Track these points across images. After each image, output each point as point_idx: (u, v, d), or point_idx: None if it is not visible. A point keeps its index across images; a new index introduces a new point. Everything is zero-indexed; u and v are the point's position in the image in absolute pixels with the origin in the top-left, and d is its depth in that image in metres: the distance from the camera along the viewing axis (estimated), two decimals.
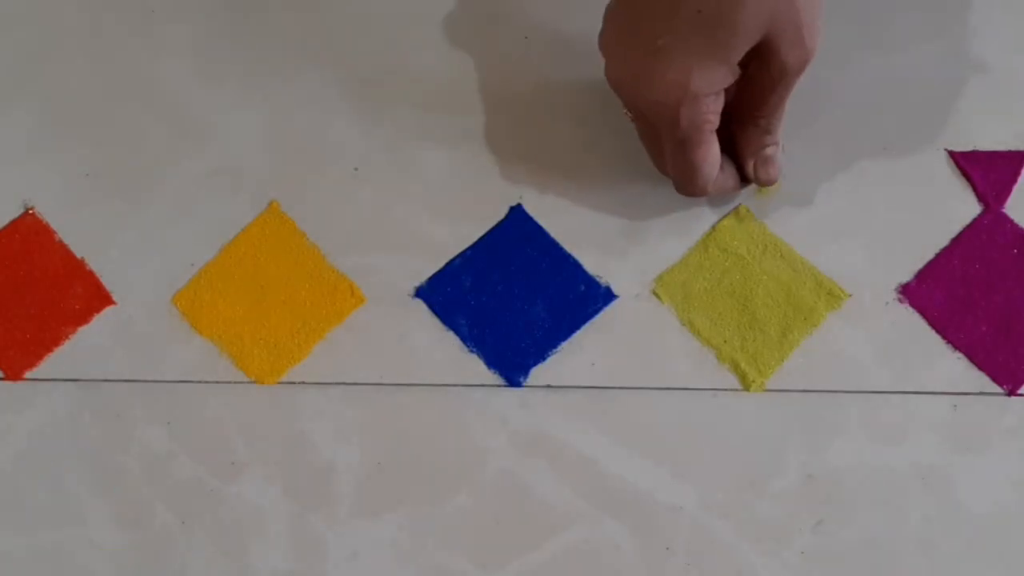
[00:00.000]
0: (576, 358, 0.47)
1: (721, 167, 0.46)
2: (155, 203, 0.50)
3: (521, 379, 0.47)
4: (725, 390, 0.47)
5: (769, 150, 0.46)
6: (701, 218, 0.49)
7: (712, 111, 0.43)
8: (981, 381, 0.46)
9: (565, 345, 0.48)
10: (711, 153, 0.45)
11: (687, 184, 0.46)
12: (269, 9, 0.53)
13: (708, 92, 0.43)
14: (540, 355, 0.47)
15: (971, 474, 0.45)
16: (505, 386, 0.47)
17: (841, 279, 0.48)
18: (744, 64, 0.42)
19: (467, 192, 0.50)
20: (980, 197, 0.48)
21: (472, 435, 0.47)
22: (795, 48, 0.41)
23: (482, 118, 0.51)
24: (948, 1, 0.51)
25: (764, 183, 0.47)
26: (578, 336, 0.48)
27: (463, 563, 0.45)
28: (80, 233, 0.50)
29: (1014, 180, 0.49)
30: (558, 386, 0.47)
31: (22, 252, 0.49)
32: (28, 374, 0.48)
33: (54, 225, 0.50)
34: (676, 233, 0.49)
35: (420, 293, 0.48)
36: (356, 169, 0.50)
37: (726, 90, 0.44)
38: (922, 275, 0.48)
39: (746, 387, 0.47)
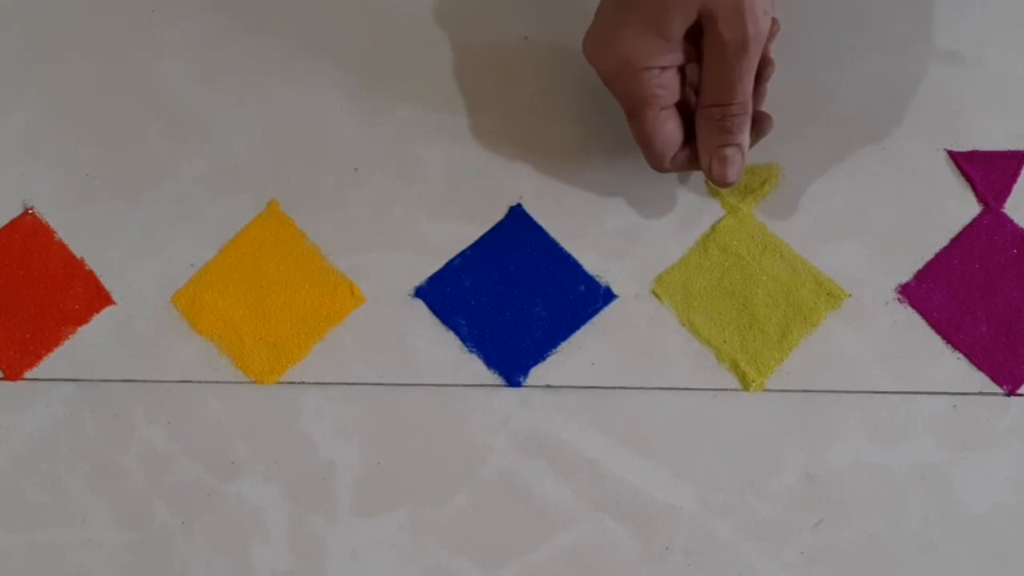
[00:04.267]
0: (576, 358, 0.47)
1: (685, 146, 0.46)
2: (155, 203, 0.50)
3: (521, 379, 0.47)
4: (725, 390, 0.47)
5: (728, 151, 0.45)
6: (701, 218, 0.49)
7: (659, 86, 0.44)
8: (981, 381, 0.46)
9: (565, 345, 0.48)
10: (662, 130, 0.45)
11: (645, 156, 0.46)
12: (269, 9, 0.53)
13: (646, 65, 0.43)
14: (540, 355, 0.47)
15: (971, 474, 0.45)
16: (505, 386, 0.47)
17: (841, 279, 0.48)
18: (698, 45, 0.43)
19: (467, 192, 0.50)
20: (980, 197, 0.48)
21: (472, 435, 0.47)
22: (731, 26, 0.41)
23: (482, 118, 0.51)
24: (948, 1, 0.51)
25: (714, 181, 0.45)
26: (578, 336, 0.48)
27: (463, 563, 0.45)
28: (80, 233, 0.50)
29: (1014, 180, 0.49)
30: (558, 386, 0.47)
31: (22, 252, 0.49)
32: (28, 374, 0.48)
33: (54, 225, 0.50)
34: (676, 233, 0.49)
35: (420, 293, 0.48)
36: (356, 169, 0.50)
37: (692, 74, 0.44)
38: (922, 275, 0.48)
39: (746, 387, 0.47)
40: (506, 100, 0.51)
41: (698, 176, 0.49)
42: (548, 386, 0.47)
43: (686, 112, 0.46)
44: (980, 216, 0.48)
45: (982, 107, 0.50)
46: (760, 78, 0.45)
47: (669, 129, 0.45)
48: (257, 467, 0.47)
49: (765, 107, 0.47)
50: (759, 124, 0.46)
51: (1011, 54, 0.50)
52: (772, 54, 0.45)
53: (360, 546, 0.46)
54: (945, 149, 0.49)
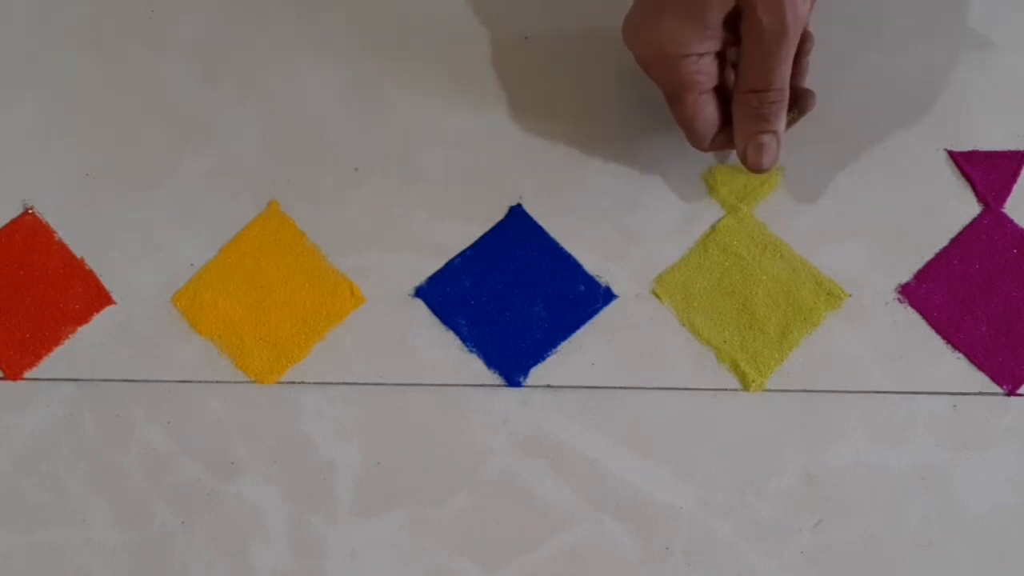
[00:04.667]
0: (576, 358, 0.47)
1: (724, 127, 0.46)
2: (155, 203, 0.50)
3: (521, 379, 0.47)
4: (725, 390, 0.47)
5: (764, 137, 0.45)
6: (701, 218, 0.49)
7: (698, 72, 0.44)
8: (981, 381, 0.46)
9: (565, 345, 0.48)
10: (701, 113, 0.45)
11: (686, 138, 0.47)
12: (269, 9, 0.53)
13: (683, 52, 0.43)
14: (540, 355, 0.47)
15: (971, 474, 0.45)
16: (505, 386, 0.47)
17: (841, 279, 0.48)
18: (736, 30, 0.43)
19: (467, 192, 0.50)
20: (980, 197, 0.48)
21: (472, 435, 0.47)
22: (770, 12, 0.41)
23: (482, 118, 0.51)
24: (948, 1, 0.51)
25: (749, 167, 0.46)
26: (578, 336, 0.48)
27: (463, 563, 0.45)
28: (80, 233, 0.50)
29: (1014, 180, 0.49)
30: (558, 386, 0.47)
31: (22, 252, 0.49)
32: (28, 374, 0.48)
33: (54, 225, 0.50)
34: (676, 233, 0.49)
35: (420, 293, 0.48)
36: (356, 169, 0.50)
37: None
38: (922, 275, 0.48)
39: (746, 387, 0.47)
40: (506, 100, 0.51)
41: (698, 176, 0.49)
42: (548, 386, 0.47)
43: (726, 93, 0.46)
44: (980, 216, 0.48)
45: (982, 107, 0.50)
46: (800, 52, 0.45)
47: (708, 113, 0.45)
48: (257, 467, 0.47)
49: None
50: (802, 100, 0.46)
51: (1011, 54, 0.50)
52: (810, 28, 0.45)
53: (360, 546, 0.46)
54: (945, 149, 0.49)
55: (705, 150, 0.47)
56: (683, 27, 0.43)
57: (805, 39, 0.45)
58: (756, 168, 0.45)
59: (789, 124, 0.46)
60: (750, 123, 0.45)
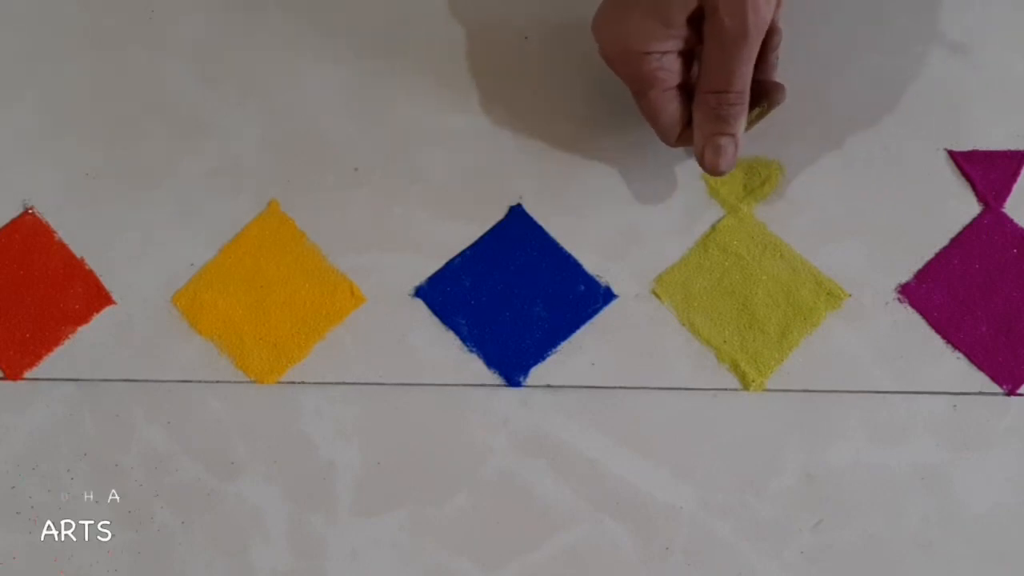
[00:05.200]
0: (576, 358, 0.47)
1: (689, 125, 0.46)
2: (155, 203, 0.50)
3: (521, 379, 0.47)
4: (725, 390, 0.47)
5: (722, 140, 0.45)
6: (701, 218, 0.49)
7: (660, 69, 0.44)
8: (981, 381, 0.46)
9: (565, 345, 0.48)
10: (665, 110, 0.46)
11: (655, 132, 0.47)
12: (269, 9, 0.53)
13: (646, 50, 0.44)
14: (540, 355, 0.47)
15: (971, 474, 0.45)
16: (505, 386, 0.47)
17: (841, 279, 0.48)
18: (701, 30, 0.43)
19: (467, 192, 0.50)
20: (980, 197, 0.48)
21: (472, 435, 0.47)
22: (732, 13, 0.41)
23: (482, 118, 0.51)
24: (948, 1, 0.51)
25: (706, 169, 0.46)
26: (578, 336, 0.48)
27: (463, 563, 0.46)
28: (80, 233, 0.50)
29: (1014, 180, 0.49)
30: (558, 386, 0.47)
31: (22, 252, 0.49)
32: (28, 374, 0.48)
33: (54, 225, 0.50)
34: (676, 233, 0.49)
35: (420, 293, 0.48)
36: (356, 169, 0.50)
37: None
38: (922, 275, 0.48)
39: (746, 387, 0.47)
40: (506, 100, 0.51)
41: (698, 176, 0.49)
42: (548, 386, 0.47)
43: (692, 92, 0.46)
44: (980, 216, 0.48)
45: (982, 107, 0.50)
46: (768, 47, 0.45)
47: (672, 109, 0.46)
48: (257, 467, 0.47)
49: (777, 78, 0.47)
50: (771, 94, 0.46)
51: (1011, 54, 0.50)
52: (780, 23, 0.46)
53: (360, 546, 0.46)
54: (945, 149, 0.49)
55: (673, 146, 0.47)
56: (647, 24, 0.43)
57: (773, 33, 0.45)
58: (712, 170, 0.45)
59: (759, 117, 0.46)
60: (709, 124, 0.45)
